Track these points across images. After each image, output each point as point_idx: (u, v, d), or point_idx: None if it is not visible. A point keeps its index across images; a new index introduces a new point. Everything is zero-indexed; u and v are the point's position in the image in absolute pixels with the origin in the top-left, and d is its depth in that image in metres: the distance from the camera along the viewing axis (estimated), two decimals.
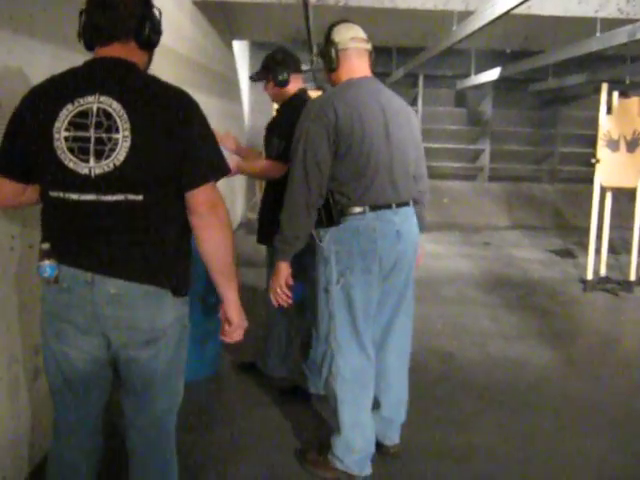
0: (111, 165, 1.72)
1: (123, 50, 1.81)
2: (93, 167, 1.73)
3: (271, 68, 3.37)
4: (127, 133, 1.71)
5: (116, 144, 1.71)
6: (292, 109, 3.23)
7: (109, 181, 1.73)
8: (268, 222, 3.35)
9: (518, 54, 8.88)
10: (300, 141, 2.44)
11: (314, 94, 4.21)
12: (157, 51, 1.96)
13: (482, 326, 4.96)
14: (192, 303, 2.03)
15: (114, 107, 1.72)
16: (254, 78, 3.53)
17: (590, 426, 3.28)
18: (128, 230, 1.78)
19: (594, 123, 11.39)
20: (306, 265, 3.36)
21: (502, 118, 11.62)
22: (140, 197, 1.75)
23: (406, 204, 2.62)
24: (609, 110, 5.90)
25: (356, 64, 2.58)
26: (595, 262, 6.18)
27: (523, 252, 8.13)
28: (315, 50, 2.73)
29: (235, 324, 1.97)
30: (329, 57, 2.57)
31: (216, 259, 1.87)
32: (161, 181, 1.77)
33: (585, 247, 8.14)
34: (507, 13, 4.52)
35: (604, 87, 5.72)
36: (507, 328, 4.93)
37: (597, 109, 10.44)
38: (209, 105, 6.44)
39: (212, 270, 1.89)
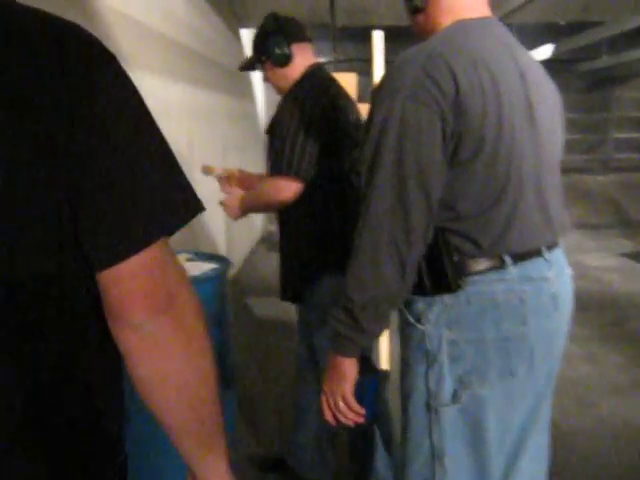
0: None
1: None
2: None
3: (263, 45, 2.17)
4: None
5: None
6: (303, 97, 2.05)
7: None
8: (297, 270, 2.25)
9: (573, 27, 7.67)
10: (384, 138, 1.23)
11: (341, 77, 2.90)
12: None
13: (581, 372, 3.79)
14: None
15: None
16: (244, 67, 2.30)
17: None
18: None
19: None
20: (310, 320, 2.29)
21: None
22: None
23: (557, 243, 1.44)
24: None
25: None
26: None
27: (593, 258, 6.93)
28: None
29: None
30: None
31: (178, 411, 0.81)
32: (42, 249, 0.71)
33: None
34: None
35: None
36: (613, 374, 3.76)
37: None
38: (216, 103, 5.35)
39: (170, 429, 0.82)
